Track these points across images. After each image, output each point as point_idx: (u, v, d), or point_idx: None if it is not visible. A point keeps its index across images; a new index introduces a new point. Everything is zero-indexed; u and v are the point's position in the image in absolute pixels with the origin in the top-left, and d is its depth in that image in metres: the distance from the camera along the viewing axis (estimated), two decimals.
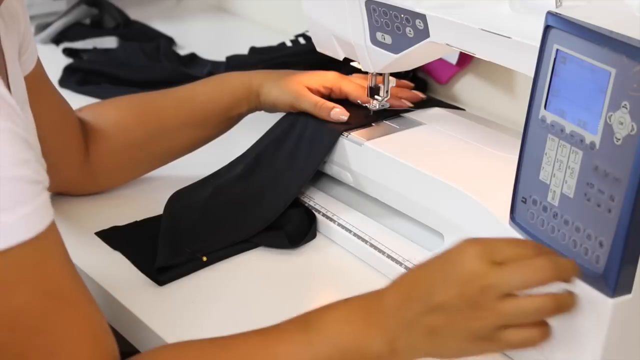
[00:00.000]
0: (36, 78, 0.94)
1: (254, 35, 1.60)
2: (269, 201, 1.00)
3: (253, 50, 1.43)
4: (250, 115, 1.10)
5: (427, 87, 1.36)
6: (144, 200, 1.06)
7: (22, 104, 0.85)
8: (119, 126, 1.05)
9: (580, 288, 0.69)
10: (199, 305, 0.88)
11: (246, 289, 0.91)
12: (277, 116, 1.09)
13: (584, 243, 0.69)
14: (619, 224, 0.65)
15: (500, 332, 0.65)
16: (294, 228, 0.98)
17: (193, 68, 1.45)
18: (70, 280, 0.67)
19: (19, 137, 0.62)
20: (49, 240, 0.64)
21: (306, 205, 1.02)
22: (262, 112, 1.09)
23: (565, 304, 0.66)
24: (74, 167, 1.02)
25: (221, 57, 1.43)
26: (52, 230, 0.64)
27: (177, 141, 1.07)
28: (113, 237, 0.98)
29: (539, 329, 0.65)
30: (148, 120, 1.05)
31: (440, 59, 1.30)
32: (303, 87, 1.04)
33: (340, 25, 1.01)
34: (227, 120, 1.08)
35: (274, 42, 1.46)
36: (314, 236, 0.99)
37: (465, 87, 1.34)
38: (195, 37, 1.66)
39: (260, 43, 1.46)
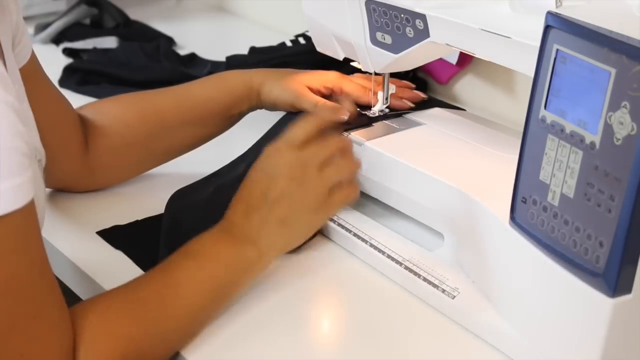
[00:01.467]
0: (31, 70, 0.94)
1: (254, 35, 1.60)
2: None
3: (253, 50, 1.43)
4: (250, 115, 1.10)
5: (427, 87, 1.36)
6: (145, 199, 1.06)
7: (20, 96, 0.85)
8: (119, 123, 1.05)
9: (580, 288, 0.69)
10: None
11: (248, 287, 0.91)
12: (277, 116, 1.08)
13: (584, 243, 0.69)
14: (619, 224, 0.65)
15: (330, 197, 0.84)
16: None
17: (193, 68, 1.45)
18: (44, 251, 0.72)
19: (14, 109, 0.64)
20: (33, 213, 0.68)
21: None
22: (263, 111, 1.09)
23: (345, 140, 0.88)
24: (73, 162, 1.02)
25: (221, 57, 1.43)
26: (32, 207, 0.68)
27: (177, 139, 1.07)
28: (114, 236, 0.98)
29: (353, 186, 0.88)
30: (148, 118, 1.05)
31: (440, 59, 1.30)
32: (304, 86, 1.04)
33: (340, 25, 1.01)
34: (228, 119, 1.08)
35: (274, 42, 1.46)
36: (314, 235, 0.99)
37: (465, 87, 1.34)
38: (195, 37, 1.67)
39: (260, 43, 1.46)
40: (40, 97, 0.94)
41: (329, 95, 1.06)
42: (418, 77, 1.34)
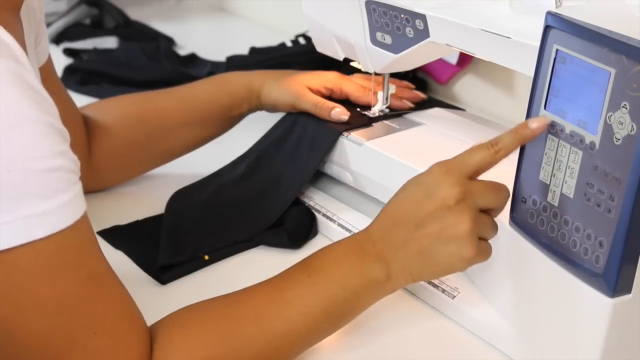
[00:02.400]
0: (47, 71, 0.95)
1: (254, 35, 1.60)
2: (270, 201, 1.00)
3: (253, 50, 1.43)
4: (250, 115, 1.10)
5: (427, 87, 1.36)
6: (146, 200, 1.06)
7: None
8: (121, 124, 1.05)
9: (580, 288, 0.69)
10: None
11: (244, 285, 0.91)
12: (277, 116, 1.09)
13: (584, 243, 0.69)
14: (618, 224, 0.65)
15: (478, 244, 0.73)
16: (295, 227, 0.98)
17: (193, 68, 1.45)
18: (104, 263, 0.70)
19: (55, 129, 0.64)
20: (85, 226, 0.67)
21: (306, 204, 1.02)
22: (263, 112, 1.10)
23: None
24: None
25: (221, 57, 1.44)
26: (86, 217, 0.67)
27: (178, 140, 1.07)
28: (115, 236, 0.99)
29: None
30: (148, 118, 1.06)
31: (440, 59, 1.30)
32: (304, 87, 1.04)
33: (340, 25, 1.01)
34: (228, 120, 1.08)
35: (274, 42, 1.46)
36: (315, 234, 0.99)
37: (465, 87, 1.34)
38: (195, 37, 1.67)
39: (260, 43, 1.46)
40: (53, 98, 0.94)
41: (329, 95, 1.06)
42: (418, 77, 1.34)
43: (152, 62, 1.45)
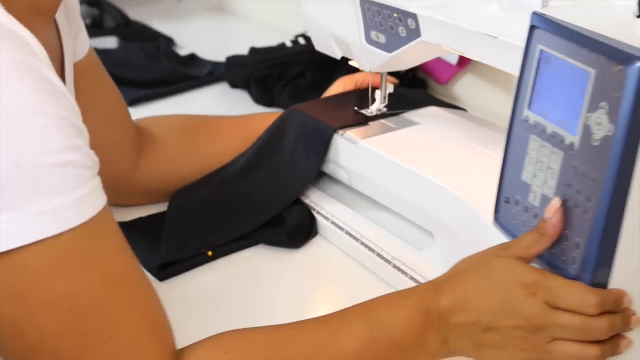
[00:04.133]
0: (89, 64, 0.94)
1: (254, 35, 1.61)
2: (271, 197, 1.01)
3: (253, 50, 1.44)
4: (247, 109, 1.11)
5: (427, 87, 1.36)
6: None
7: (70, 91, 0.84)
8: (175, 131, 1.05)
9: None
10: (200, 301, 0.89)
11: (245, 284, 0.92)
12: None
13: (562, 244, 0.69)
14: (594, 225, 0.65)
15: None
16: (295, 227, 0.98)
17: (193, 68, 1.46)
18: (127, 264, 0.67)
19: (69, 123, 0.62)
20: (102, 224, 0.64)
21: (306, 203, 1.02)
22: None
23: (611, 352, 0.67)
24: (123, 164, 1.00)
25: (221, 58, 1.45)
26: (105, 214, 0.64)
27: (227, 153, 1.07)
28: None
29: None
30: (206, 129, 1.07)
31: (440, 59, 1.30)
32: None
33: (337, 24, 1.02)
34: None
35: (274, 42, 1.47)
36: (315, 234, 1.00)
37: (465, 87, 1.33)
38: (195, 37, 1.67)
39: (260, 43, 1.46)
40: (97, 92, 0.94)
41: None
42: (418, 77, 1.34)
43: (152, 62, 1.45)
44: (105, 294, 0.64)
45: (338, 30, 1.02)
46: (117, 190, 0.97)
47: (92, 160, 0.64)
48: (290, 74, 1.33)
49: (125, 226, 0.98)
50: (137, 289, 0.67)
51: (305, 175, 1.01)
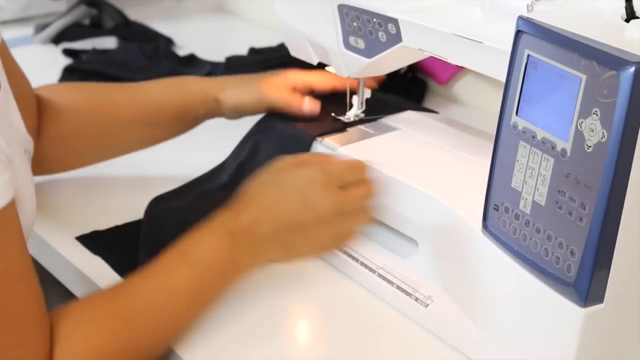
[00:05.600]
0: None
1: (254, 35, 1.60)
2: None
3: (252, 50, 1.43)
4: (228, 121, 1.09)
5: (427, 87, 1.35)
6: (125, 205, 1.04)
7: None
8: (71, 111, 1.03)
9: (552, 297, 0.68)
10: None
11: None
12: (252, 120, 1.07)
13: (556, 252, 0.68)
14: (590, 232, 0.64)
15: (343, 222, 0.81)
16: None
17: (192, 68, 1.44)
18: (26, 259, 0.69)
19: None
20: (7, 218, 0.66)
21: None
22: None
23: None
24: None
25: (220, 58, 1.43)
26: (10, 209, 0.66)
27: (128, 137, 1.06)
28: (93, 241, 0.97)
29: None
30: (101, 110, 1.04)
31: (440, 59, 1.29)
32: (267, 86, 1.04)
33: (314, 30, 1.00)
34: (181, 122, 1.07)
35: (273, 42, 1.46)
36: None
37: (465, 87, 1.33)
38: (195, 37, 1.65)
39: (260, 43, 1.45)
40: (8, 77, 0.91)
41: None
42: (418, 77, 1.34)
43: (151, 63, 1.43)
44: (7, 287, 0.66)
45: (315, 36, 1.00)
46: None
47: (4, 154, 0.65)
48: None
49: (101, 234, 0.99)
50: (33, 283, 0.70)
51: None
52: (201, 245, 0.79)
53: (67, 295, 0.97)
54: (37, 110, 1.01)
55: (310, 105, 1.02)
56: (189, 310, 0.79)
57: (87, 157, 1.07)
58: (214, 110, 1.06)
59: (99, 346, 0.72)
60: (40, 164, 1.02)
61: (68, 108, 1.03)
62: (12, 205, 0.66)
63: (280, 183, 0.80)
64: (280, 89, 1.04)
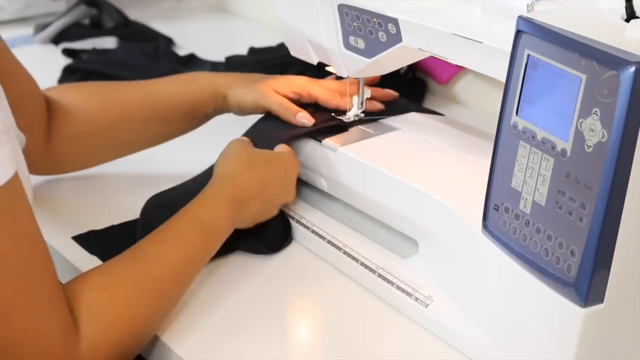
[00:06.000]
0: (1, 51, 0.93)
1: (254, 35, 1.60)
2: None
3: (252, 50, 1.43)
4: (224, 119, 1.09)
5: (427, 87, 1.35)
6: (122, 204, 1.05)
7: None
8: (82, 111, 1.04)
9: (552, 298, 0.68)
10: (177, 308, 0.87)
11: (223, 292, 0.90)
12: (250, 120, 1.07)
13: (556, 252, 0.68)
14: (590, 232, 0.64)
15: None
16: (271, 235, 0.96)
17: (192, 68, 1.44)
18: (36, 225, 0.72)
19: None
20: (17, 187, 0.68)
21: (282, 210, 1.00)
22: (235, 116, 1.08)
23: None
24: (36, 146, 1.00)
25: (220, 58, 1.43)
26: (17, 181, 0.68)
27: (139, 134, 1.06)
28: (90, 240, 0.97)
29: None
30: (111, 109, 1.05)
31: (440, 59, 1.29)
32: (270, 88, 1.04)
33: (314, 30, 1.00)
34: (193, 119, 1.07)
35: (273, 42, 1.46)
36: (290, 241, 0.98)
37: (465, 87, 1.33)
38: (195, 37, 1.66)
39: (260, 43, 1.46)
40: (8, 76, 0.92)
41: (297, 99, 1.05)
42: (418, 77, 1.34)
43: (151, 62, 1.43)
44: (26, 254, 0.69)
45: (315, 36, 1.00)
46: (35, 166, 0.99)
47: (7, 125, 0.67)
48: (290, 74, 1.31)
49: (97, 234, 0.99)
50: (46, 251, 0.72)
51: None
52: (211, 215, 0.87)
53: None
54: (46, 111, 1.01)
55: (303, 118, 1.02)
56: (197, 271, 0.85)
57: (99, 157, 1.08)
58: (223, 106, 1.07)
59: (124, 311, 0.76)
60: (52, 164, 1.04)
61: (79, 109, 1.03)
62: (17, 177, 0.68)
63: (272, 165, 0.94)
64: (281, 93, 1.04)
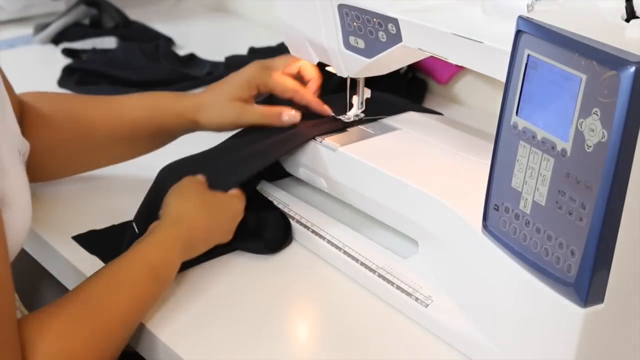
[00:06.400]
0: None
1: (254, 35, 1.60)
2: (270, 144, 1.00)
3: (252, 50, 1.43)
4: None
5: (427, 87, 1.35)
6: (122, 204, 1.04)
7: None
8: (48, 126, 1.02)
9: (552, 298, 0.68)
10: (176, 308, 0.87)
11: (224, 292, 0.90)
12: None
13: (556, 252, 0.68)
14: (590, 232, 0.64)
15: None
16: (271, 235, 0.96)
17: (192, 68, 1.44)
18: (5, 269, 0.72)
19: None
20: None
21: (282, 210, 1.00)
22: None
23: None
24: None
25: (220, 58, 1.43)
26: None
27: (103, 153, 1.06)
28: (90, 240, 0.97)
29: None
30: (75, 126, 1.04)
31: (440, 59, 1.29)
32: (239, 101, 1.03)
33: (314, 30, 1.00)
34: (157, 139, 1.07)
35: (273, 42, 1.46)
36: (290, 241, 0.98)
37: (465, 87, 1.33)
38: (195, 37, 1.66)
39: (260, 43, 1.46)
40: None
41: (257, 95, 1.05)
42: (418, 77, 1.34)
43: (151, 62, 1.44)
44: None
45: (315, 36, 1.00)
46: None
47: None
48: None
49: (98, 234, 0.99)
50: (10, 290, 0.72)
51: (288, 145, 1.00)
52: (164, 260, 0.87)
53: (64, 293, 0.97)
54: (20, 116, 0.99)
55: (288, 117, 1.02)
56: (147, 307, 0.85)
57: (63, 170, 1.07)
58: (193, 128, 1.06)
59: (70, 351, 0.76)
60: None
61: (47, 121, 1.02)
62: None
63: (213, 211, 0.94)
64: (246, 97, 1.04)
